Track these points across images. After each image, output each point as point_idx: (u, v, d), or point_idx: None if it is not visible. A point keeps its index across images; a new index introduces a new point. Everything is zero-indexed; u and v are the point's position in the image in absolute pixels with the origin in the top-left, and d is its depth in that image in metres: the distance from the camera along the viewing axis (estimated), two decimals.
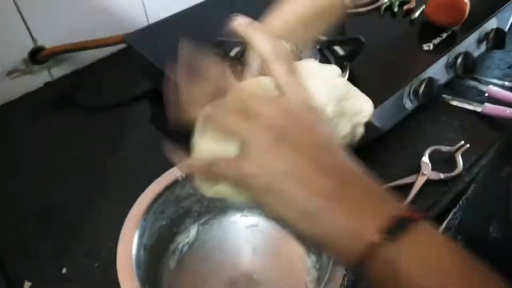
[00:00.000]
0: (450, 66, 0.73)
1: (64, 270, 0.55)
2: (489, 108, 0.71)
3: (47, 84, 0.82)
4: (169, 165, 0.67)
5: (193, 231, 0.56)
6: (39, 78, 0.81)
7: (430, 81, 0.66)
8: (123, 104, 0.81)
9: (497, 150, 0.49)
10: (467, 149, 0.66)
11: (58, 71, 0.83)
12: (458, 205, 0.56)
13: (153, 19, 0.87)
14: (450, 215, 0.56)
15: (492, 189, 0.41)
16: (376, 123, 0.64)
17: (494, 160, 0.44)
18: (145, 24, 0.87)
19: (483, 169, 0.50)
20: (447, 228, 0.55)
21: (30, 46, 0.77)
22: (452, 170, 0.63)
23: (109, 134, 0.74)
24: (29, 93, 0.81)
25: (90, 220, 0.61)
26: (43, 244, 0.58)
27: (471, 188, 0.52)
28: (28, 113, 0.78)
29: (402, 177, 0.63)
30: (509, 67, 0.82)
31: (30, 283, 0.54)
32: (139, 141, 0.73)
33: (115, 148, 0.72)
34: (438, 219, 0.60)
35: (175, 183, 0.53)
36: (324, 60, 0.68)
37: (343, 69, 0.66)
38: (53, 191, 0.65)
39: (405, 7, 0.78)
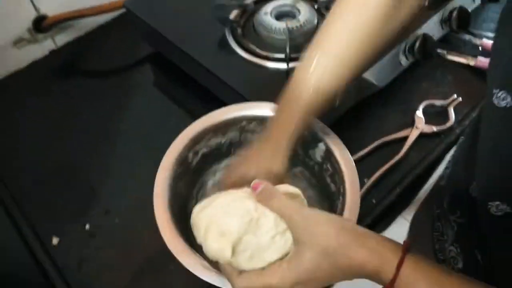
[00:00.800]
0: (445, 21, 0.74)
1: (87, 227, 0.60)
2: (482, 61, 0.73)
3: (52, 52, 0.84)
4: (175, 123, 0.71)
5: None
6: (44, 47, 0.83)
7: (425, 37, 0.68)
8: (127, 68, 0.84)
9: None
10: (460, 103, 0.69)
11: (61, 39, 0.85)
12: (447, 162, 0.60)
13: None
14: (441, 173, 0.60)
15: (473, 152, 0.44)
16: (373, 80, 0.67)
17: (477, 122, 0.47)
18: None
19: (471, 123, 0.54)
20: (436, 191, 0.59)
21: (33, 15, 0.78)
22: (444, 123, 0.67)
23: (116, 99, 0.77)
24: (35, 61, 0.83)
25: (105, 180, 0.66)
26: (66, 203, 0.63)
27: (458, 143, 0.55)
28: (36, 80, 0.81)
29: (397, 131, 0.67)
30: None
31: (58, 239, 0.59)
32: (145, 104, 0.76)
33: (123, 112, 0.76)
34: (430, 169, 0.64)
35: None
36: (322, 18, 0.70)
37: None
38: (67, 154, 0.69)
39: None
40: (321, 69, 0.45)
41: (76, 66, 0.84)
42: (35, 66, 0.83)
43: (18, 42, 0.79)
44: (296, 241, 0.37)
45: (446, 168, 0.59)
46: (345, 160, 0.50)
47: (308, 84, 0.45)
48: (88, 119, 0.74)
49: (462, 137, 0.55)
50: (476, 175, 0.41)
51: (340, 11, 0.46)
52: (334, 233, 0.35)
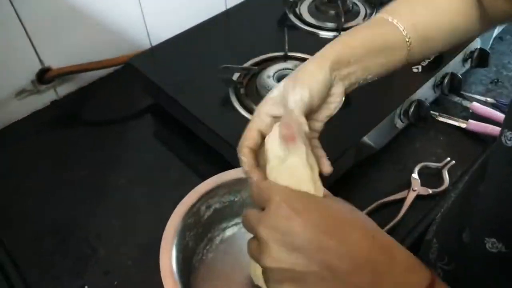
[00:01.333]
0: (437, 85, 0.78)
1: None
2: (473, 124, 0.77)
3: (53, 103, 0.85)
4: (176, 177, 0.72)
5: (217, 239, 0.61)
6: (46, 97, 0.84)
7: (419, 103, 0.71)
8: (127, 119, 0.85)
9: (477, 168, 0.55)
10: (453, 165, 0.72)
11: (63, 90, 0.86)
12: (439, 213, 0.62)
13: (154, 39, 0.91)
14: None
15: (470, 201, 0.46)
16: (371, 143, 0.69)
17: (474, 176, 0.49)
18: (147, 42, 0.90)
19: (465, 184, 0.56)
20: (428, 232, 0.60)
21: (37, 67, 0.80)
22: (439, 186, 0.69)
23: (116, 150, 0.78)
24: (36, 112, 0.84)
25: (104, 238, 0.65)
26: (63, 262, 0.62)
27: (452, 198, 0.57)
28: (36, 131, 0.81)
29: (394, 192, 0.69)
30: (491, 82, 0.88)
31: None
32: (145, 156, 0.77)
33: (123, 164, 0.76)
34: (426, 232, 0.66)
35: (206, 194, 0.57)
36: None
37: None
38: (65, 209, 0.69)
39: None
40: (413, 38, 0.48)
41: (77, 117, 0.85)
42: (35, 116, 0.83)
43: (21, 93, 0.80)
44: None
45: (433, 224, 0.60)
46: None
47: (403, 44, 0.47)
48: (88, 171, 0.74)
49: (454, 195, 0.57)
50: (475, 211, 0.42)
51: None
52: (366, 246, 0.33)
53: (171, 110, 0.78)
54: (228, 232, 0.61)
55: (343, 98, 0.47)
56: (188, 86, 0.75)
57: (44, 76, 0.81)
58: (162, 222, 0.55)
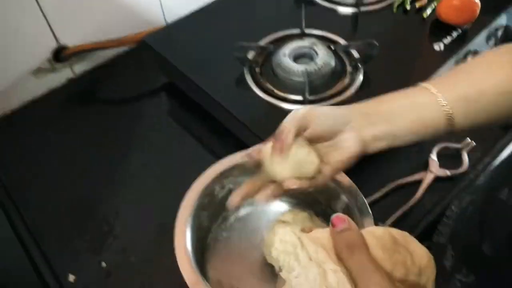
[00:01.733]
0: (460, 62, 0.75)
1: (103, 264, 0.61)
2: None
3: (70, 81, 0.86)
4: (191, 156, 0.72)
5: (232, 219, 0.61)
6: (62, 75, 0.84)
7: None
8: (143, 97, 0.85)
9: (497, 168, 0.53)
10: (473, 147, 0.70)
11: (80, 68, 0.86)
12: (451, 210, 0.60)
13: (169, 16, 0.90)
14: (443, 220, 0.60)
15: (490, 209, 0.45)
16: None
17: (493, 180, 0.48)
18: (161, 20, 0.89)
19: (482, 187, 0.54)
20: (438, 232, 0.59)
21: (53, 45, 0.80)
22: (458, 167, 0.68)
23: (132, 128, 0.78)
24: (53, 90, 0.84)
25: (121, 216, 0.66)
26: (82, 239, 0.64)
27: (466, 199, 0.55)
28: (53, 109, 0.82)
29: (411, 174, 0.68)
30: None
31: (74, 276, 0.60)
32: (160, 134, 0.77)
33: (138, 142, 0.76)
34: (443, 214, 0.65)
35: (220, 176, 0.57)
36: (340, 62, 0.71)
37: (357, 71, 0.69)
38: (82, 186, 0.70)
39: (417, 4, 0.80)
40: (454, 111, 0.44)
41: (93, 95, 0.85)
42: (52, 94, 0.84)
43: (37, 71, 0.80)
44: None
45: (443, 225, 0.58)
46: (364, 215, 0.51)
47: (441, 114, 0.44)
48: (105, 149, 0.75)
49: (470, 195, 0.55)
50: (496, 222, 0.41)
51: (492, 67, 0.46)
52: None
53: (185, 89, 0.77)
54: (243, 212, 0.62)
55: (358, 151, 0.45)
56: (203, 64, 0.74)
57: (61, 54, 0.81)
58: (177, 201, 0.55)
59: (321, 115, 0.45)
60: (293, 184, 0.44)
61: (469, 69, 0.47)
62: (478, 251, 0.43)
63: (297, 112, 0.44)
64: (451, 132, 0.46)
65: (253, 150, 0.46)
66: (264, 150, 0.46)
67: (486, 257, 0.42)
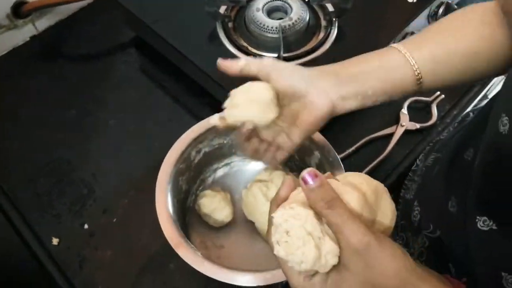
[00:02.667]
0: (432, 15, 0.75)
1: (86, 226, 0.62)
2: None
3: (32, 38, 0.81)
4: (166, 114, 0.71)
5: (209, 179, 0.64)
6: (25, 32, 0.80)
7: (413, 35, 0.69)
8: (111, 52, 0.82)
9: (464, 127, 0.54)
10: (442, 99, 0.72)
11: (42, 24, 0.81)
12: (416, 166, 0.63)
13: None
14: (409, 175, 0.62)
15: (455, 168, 0.47)
16: None
17: (459, 141, 0.49)
18: None
19: (448, 148, 0.55)
20: (406, 187, 0.62)
21: (12, 0, 0.75)
22: (427, 120, 0.70)
23: (102, 86, 0.76)
24: (16, 48, 0.80)
25: (99, 177, 0.67)
26: (62, 202, 0.64)
27: (432, 156, 0.57)
28: (17, 67, 0.79)
29: (383, 128, 0.70)
30: None
31: (57, 239, 0.61)
32: (132, 92, 0.76)
33: (109, 99, 0.75)
34: (411, 166, 0.68)
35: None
36: (314, 16, 0.70)
37: (332, 25, 0.69)
38: (54, 148, 0.69)
39: None
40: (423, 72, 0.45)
41: (58, 51, 0.82)
42: (15, 53, 0.80)
43: None
44: (343, 265, 0.33)
45: (410, 180, 0.61)
46: (336, 169, 0.53)
47: (411, 76, 0.44)
48: (74, 108, 0.73)
49: (435, 153, 0.58)
50: (461, 181, 0.43)
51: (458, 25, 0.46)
52: (392, 273, 0.31)
53: (155, 45, 0.75)
54: (220, 172, 0.63)
55: (326, 111, 0.45)
56: (173, 19, 0.71)
57: (20, 10, 0.76)
58: (154, 159, 0.56)
59: (285, 70, 0.45)
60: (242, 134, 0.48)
61: (439, 29, 0.47)
62: (444, 209, 0.46)
63: (263, 59, 0.45)
64: (420, 91, 0.47)
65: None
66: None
67: (451, 214, 0.45)
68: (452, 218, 0.44)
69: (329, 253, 0.32)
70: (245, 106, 0.45)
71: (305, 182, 0.33)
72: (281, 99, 0.46)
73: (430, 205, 0.52)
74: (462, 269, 0.45)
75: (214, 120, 0.50)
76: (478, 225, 0.39)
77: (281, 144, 0.48)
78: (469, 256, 0.42)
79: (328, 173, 0.41)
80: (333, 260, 0.32)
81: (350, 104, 0.46)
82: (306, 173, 0.33)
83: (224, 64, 0.47)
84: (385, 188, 0.39)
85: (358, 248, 0.31)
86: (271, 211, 0.37)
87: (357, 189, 0.36)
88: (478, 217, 0.39)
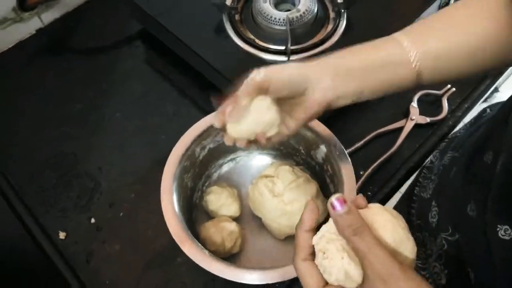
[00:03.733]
0: (443, 6, 0.74)
1: (92, 220, 0.62)
2: None
3: (38, 31, 0.81)
4: (171, 107, 0.71)
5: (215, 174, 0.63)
6: (30, 25, 0.79)
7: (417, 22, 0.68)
8: (117, 45, 0.81)
9: (482, 126, 0.53)
10: (453, 93, 0.70)
11: (48, 16, 0.81)
12: (431, 162, 0.61)
13: None
14: (423, 172, 0.61)
15: (474, 171, 0.45)
16: None
17: (478, 136, 0.48)
18: None
19: (467, 148, 0.53)
20: (420, 185, 0.60)
21: None
22: (438, 114, 0.69)
23: (108, 79, 0.76)
24: (22, 41, 0.80)
25: (105, 171, 0.66)
26: (68, 196, 0.64)
27: (448, 155, 0.56)
28: (23, 61, 0.78)
29: (392, 121, 0.69)
30: None
31: (64, 233, 0.61)
32: (138, 85, 0.75)
33: (116, 95, 0.74)
34: (422, 161, 0.67)
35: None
36: (322, 7, 0.69)
37: (340, 16, 0.67)
38: (60, 142, 0.69)
39: None
40: (423, 68, 0.43)
41: (65, 44, 0.81)
42: (21, 46, 0.80)
43: (3, 22, 0.75)
44: None
45: (426, 178, 0.60)
46: (344, 163, 0.52)
47: (410, 73, 0.43)
48: (80, 101, 0.73)
49: (452, 152, 0.56)
50: (480, 185, 0.42)
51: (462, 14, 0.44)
52: None
53: (161, 38, 0.74)
54: (225, 168, 0.62)
55: (321, 109, 0.44)
56: (179, 12, 0.70)
57: (26, 3, 0.75)
58: (161, 153, 0.56)
59: (282, 78, 0.43)
60: (241, 145, 0.45)
61: (444, 22, 0.45)
62: (463, 213, 0.44)
63: (257, 76, 0.43)
64: (417, 87, 0.45)
65: (216, 117, 0.45)
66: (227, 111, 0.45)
67: (470, 218, 0.43)
68: (472, 223, 0.43)
69: (357, 272, 0.33)
70: (247, 124, 0.44)
71: (334, 207, 0.33)
72: (281, 100, 0.45)
73: (449, 207, 0.50)
74: (482, 275, 0.43)
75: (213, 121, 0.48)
76: (499, 234, 0.37)
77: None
78: (490, 265, 0.40)
79: (359, 195, 0.39)
80: (359, 279, 0.33)
81: (345, 101, 0.45)
82: (334, 199, 0.33)
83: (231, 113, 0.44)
84: (404, 221, 0.37)
85: (383, 276, 0.31)
86: (297, 235, 0.36)
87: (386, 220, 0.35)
88: (499, 226, 0.37)
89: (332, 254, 0.33)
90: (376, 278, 0.31)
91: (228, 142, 0.46)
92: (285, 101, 0.45)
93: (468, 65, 0.44)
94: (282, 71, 0.43)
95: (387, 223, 0.34)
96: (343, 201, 0.33)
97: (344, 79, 0.43)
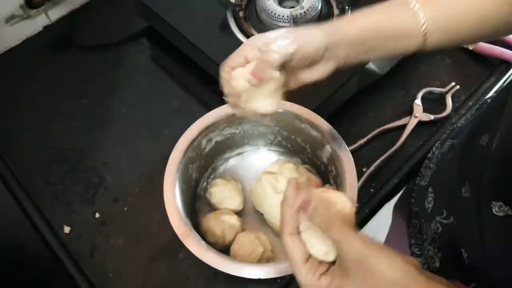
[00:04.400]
0: None
1: (97, 215, 0.63)
2: (480, 46, 0.74)
3: (46, 28, 0.82)
4: (176, 103, 0.72)
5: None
6: (38, 22, 0.80)
7: None
8: (123, 42, 0.82)
9: (479, 112, 0.53)
10: (457, 90, 0.70)
11: (55, 14, 0.82)
12: (432, 153, 0.62)
13: None
14: (425, 163, 0.61)
15: (469, 153, 0.46)
16: (375, 68, 0.67)
17: (475, 122, 0.48)
18: None
19: (463, 130, 0.54)
20: (421, 175, 0.61)
21: None
22: (441, 111, 0.69)
23: (114, 76, 0.77)
24: (30, 38, 0.81)
25: (111, 166, 0.67)
26: (73, 190, 0.65)
27: (448, 143, 0.56)
28: (31, 58, 0.79)
29: (396, 119, 0.69)
30: None
31: (69, 227, 0.62)
32: (144, 81, 0.76)
33: (122, 91, 0.75)
34: (425, 158, 0.67)
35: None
36: (326, 4, 0.69)
37: (345, 14, 0.67)
38: (66, 137, 0.70)
39: None
40: (431, 29, 0.44)
41: (72, 41, 0.82)
42: (28, 43, 0.80)
43: (11, 19, 0.76)
44: (345, 272, 0.35)
45: (426, 167, 0.61)
46: (347, 164, 0.52)
47: (418, 33, 0.43)
48: (86, 97, 0.74)
49: (451, 140, 0.57)
50: (476, 166, 0.43)
51: None
52: (390, 282, 0.32)
53: (166, 34, 0.75)
54: (231, 162, 0.63)
55: (327, 76, 0.45)
56: (184, 9, 0.71)
57: (33, 0, 0.76)
58: (165, 148, 0.56)
59: (310, 50, 0.43)
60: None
61: None
62: (457, 195, 0.46)
63: (289, 46, 0.42)
64: (420, 51, 0.46)
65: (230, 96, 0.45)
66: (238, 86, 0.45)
67: (465, 200, 0.44)
68: (465, 204, 0.44)
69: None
70: (249, 98, 0.45)
71: (307, 203, 0.37)
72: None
73: (444, 190, 0.51)
74: (475, 255, 0.44)
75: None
76: (494, 211, 0.38)
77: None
78: (482, 243, 0.41)
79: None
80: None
81: (352, 64, 0.46)
82: (299, 201, 0.38)
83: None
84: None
85: (356, 258, 0.34)
86: (283, 211, 0.39)
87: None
88: (493, 203, 0.38)
89: (315, 228, 0.37)
90: (351, 261, 0.34)
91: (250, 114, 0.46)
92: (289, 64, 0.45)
93: (475, 33, 0.45)
94: (311, 43, 0.43)
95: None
96: (308, 202, 0.37)
97: (357, 47, 0.44)
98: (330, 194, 0.39)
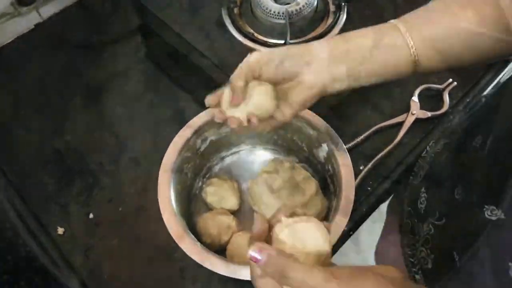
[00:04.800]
0: None
1: (91, 216, 0.62)
2: None
3: (37, 25, 0.81)
4: (172, 103, 0.71)
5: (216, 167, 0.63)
6: (29, 20, 0.79)
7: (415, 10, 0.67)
8: (117, 40, 0.80)
9: (473, 113, 0.52)
10: (455, 87, 0.70)
11: (47, 11, 0.81)
12: (426, 152, 0.61)
13: None
14: (418, 161, 0.61)
15: (463, 155, 0.45)
16: None
17: (469, 123, 0.48)
18: None
19: (457, 130, 0.53)
20: (414, 174, 0.60)
21: None
22: (439, 108, 0.68)
23: (108, 74, 0.76)
24: (21, 36, 0.80)
25: (106, 166, 0.66)
26: (67, 191, 0.64)
27: (441, 142, 0.56)
28: (22, 56, 0.78)
29: (393, 116, 0.68)
30: None
31: (63, 229, 0.61)
32: (138, 79, 0.75)
33: (116, 90, 0.74)
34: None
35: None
36: (322, 0, 0.68)
37: (341, 10, 0.67)
38: (62, 137, 0.69)
39: None
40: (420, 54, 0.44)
41: (63, 39, 0.81)
42: (20, 40, 0.79)
43: (1, 17, 0.75)
44: None
45: (419, 166, 0.60)
46: (344, 164, 0.51)
47: (407, 57, 0.43)
48: (80, 96, 0.73)
49: (444, 139, 0.56)
50: (469, 169, 0.42)
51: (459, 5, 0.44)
52: None
53: (161, 33, 0.74)
54: (227, 161, 0.62)
55: (316, 93, 0.44)
56: (178, 6, 0.70)
57: None
58: (160, 148, 0.56)
59: (275, 59, 0.43)
60: (233, 124, 0.45)
61: (440, 8, 0.45)
62: (450, 196, 0.45)
63: (249, 58, 0.43)
64: (415, 74, 0.45)
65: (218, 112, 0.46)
66: (223, 98, 0.46)
67: (457, 202, 0.44)
68: (458, 206, 0.43)
69: None
70: (247, 107, 0.45)
71: (255, 260, 0.33)
72: (276, 83, 0.45)
73: (437, 192, 0.50)
74: (467, 258, 0.44)
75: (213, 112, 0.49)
76: (486, 214, 0.38)
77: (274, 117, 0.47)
78: (474, 246, 0.41)
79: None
80: None
81: (341, 85, 0.45)
82: (251, 252, 0.33)
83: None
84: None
85: None
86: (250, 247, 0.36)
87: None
88: (486, 206, 0.38)
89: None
90: None
91: (232, 125, 0.46)
92: (281, 88, 0.45)
93: (467, 53, 0.43)
94: (273, 53, 0.43)
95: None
96: (259, 250, 0.33)
97: (339, 60, 0.43)
98: (301, 228, 0.35)
